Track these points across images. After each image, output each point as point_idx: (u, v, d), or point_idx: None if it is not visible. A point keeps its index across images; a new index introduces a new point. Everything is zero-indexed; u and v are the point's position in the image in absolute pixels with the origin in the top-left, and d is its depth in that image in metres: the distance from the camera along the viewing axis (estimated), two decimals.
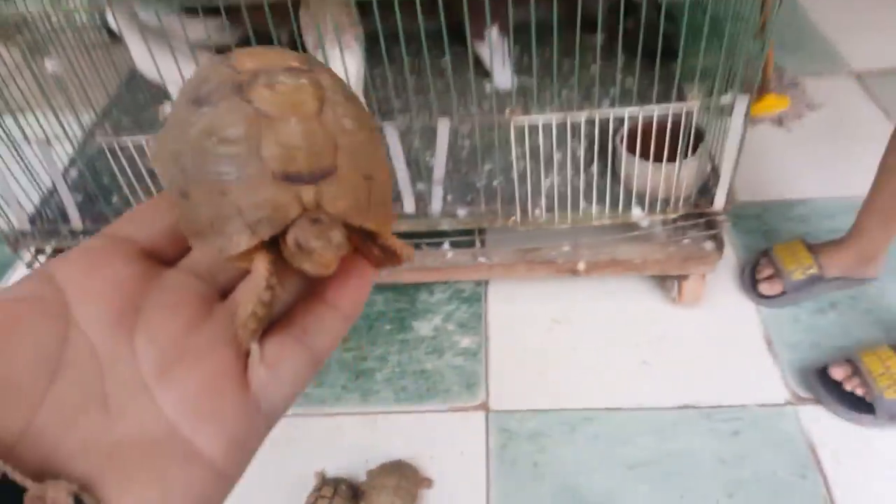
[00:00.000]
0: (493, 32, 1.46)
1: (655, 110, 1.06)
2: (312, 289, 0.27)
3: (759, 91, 1.69)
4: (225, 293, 0.26)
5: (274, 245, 0.25)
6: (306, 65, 0.26)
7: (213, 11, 1.38)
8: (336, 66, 1.13)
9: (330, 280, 0.26)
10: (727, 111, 1.06)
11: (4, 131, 1.15)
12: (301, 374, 0.25)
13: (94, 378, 0.22)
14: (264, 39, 0.99)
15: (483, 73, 1.50)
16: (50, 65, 1.31)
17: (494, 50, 1.41)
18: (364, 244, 0.26)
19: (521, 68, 1.51)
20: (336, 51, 1.18)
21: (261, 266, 0.24)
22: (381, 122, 1.15)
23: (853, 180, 1.41)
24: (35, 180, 1.25)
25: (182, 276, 0.26)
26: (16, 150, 1.17)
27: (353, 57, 1.23)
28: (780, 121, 1.71)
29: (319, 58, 1.13)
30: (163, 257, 0.26)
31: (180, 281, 0.25)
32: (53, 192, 1.27)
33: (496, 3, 1.44)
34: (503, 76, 1.46)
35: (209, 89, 0.24)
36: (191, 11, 1.38)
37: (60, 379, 0.22)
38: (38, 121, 1.14)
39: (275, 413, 0.24)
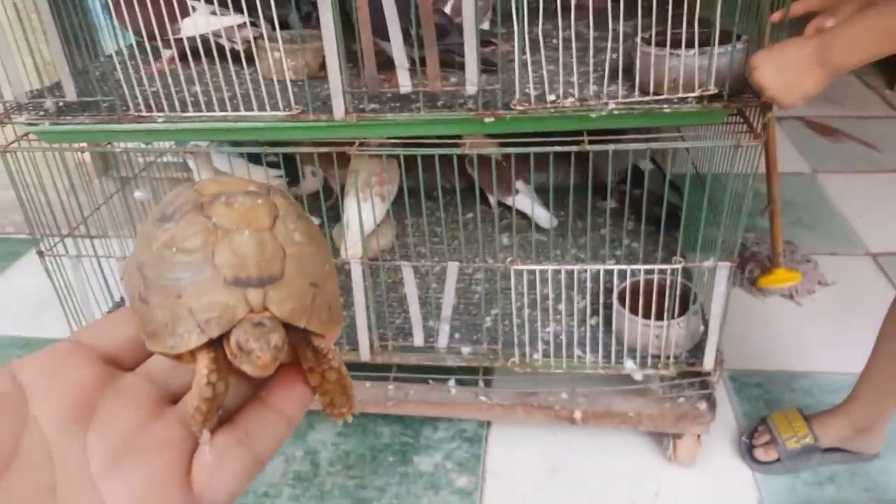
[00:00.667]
0: (521, 185, 1.63)
1: (642, 270, 1.16)
2: (257, 392, 0.28)
3: (770, 265, 1.77)
4: (177, 398, 0.28)
5: (221, 347, 0.26)
6: (264, 189, 0.29)
7: (273, 163, 1.61)
8: (364, 211, 1.29)
9: (275, 385, 0.28)
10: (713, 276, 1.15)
11: (93, 250, 1.33)
12: (243, 475, 0.26)
13: (45, 471, 0.24)
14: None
15: (502, 226, 1.65)
16: (138, 195, 1.52)
17: (529, 200, 1.58)
18: (304, 352, 0.28)
19: (538, 227, 1.65)
20: (366, 199, 1.35)
21: (201, 364, 0.25)
22: (399, 262, 1.29)
23: (860, 357, 1.44)
24: (110, 293, 1.41)
25: (137, 380, 0.27)
26: (99, 266, 1.34)
27: (376, 208, 1.39)
28: (790, 295, 1.77)
29: (354, 202, 1.29)
30: (122, 363, 0.28)
31: (135, 384, 0.27)
32: (122, 303, 1.43)
33: (518, 165, 1.62)
34: (544, 217, 1.60)
35: (174, 208, 0.27)
36: (254, 159, 1.60)
37: (13, 470, 0.23)
38: (122, 243, 1.33)
39: None
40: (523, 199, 1.62)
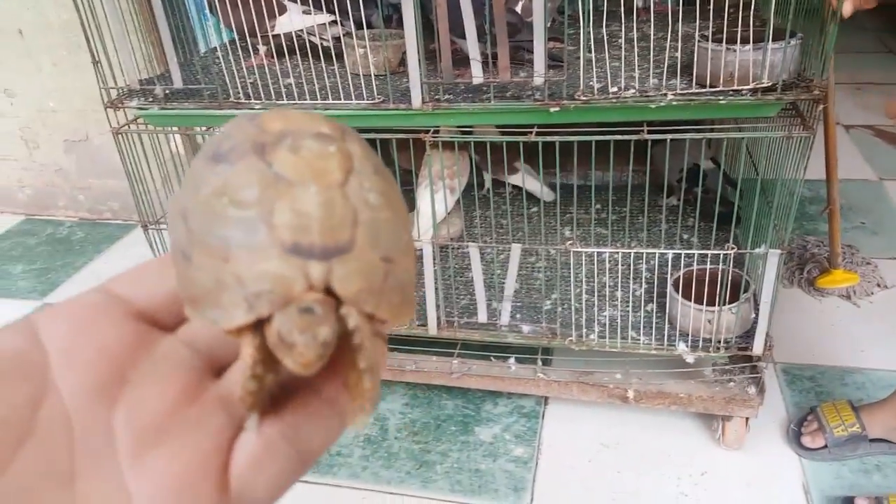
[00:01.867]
0: (519, 164, 1.72)
1: (696, 255, 1.23)
2: (311, 378, 0.23)
3: (828, 266, 1.80)
4: (222, 368, 0.24)
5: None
6: (338, 132, 0.24)
7: None
8: (437, 201, 1.40)
9: (331, 373, 0.24)
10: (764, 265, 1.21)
11: None
12: (286, 476, 0.23)
13: (63, 452, 0.20)
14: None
15: (564, 220, 1.73)
16: None
17: (527, 176, 1.68)
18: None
19: (599, 221, 1.73)
20: (438, 189, 1.46)
21: (246, 353, 0.22)
22: (467, 244, 1.39)
23: None
24: None
25: (178, 346, 0.24)
26: None
27: (448, 198, 1.50)
28: (848, 295, 1.80)
29: (427, 191, 1.41)
30: (161, 322, 0.24)
31: (174, 352, 0.24)
32: None
33: (513, 150, 1.72)
34: (543, 191, 1.71)
35: (230, 146, 0.23)
36: None
37: (27, 450, 0.20)
38: None
39: None
40: (520, 177, 1.72)
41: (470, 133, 1.23)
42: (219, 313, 0.22)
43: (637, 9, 1.48)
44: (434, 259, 1.35)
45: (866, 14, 4.05)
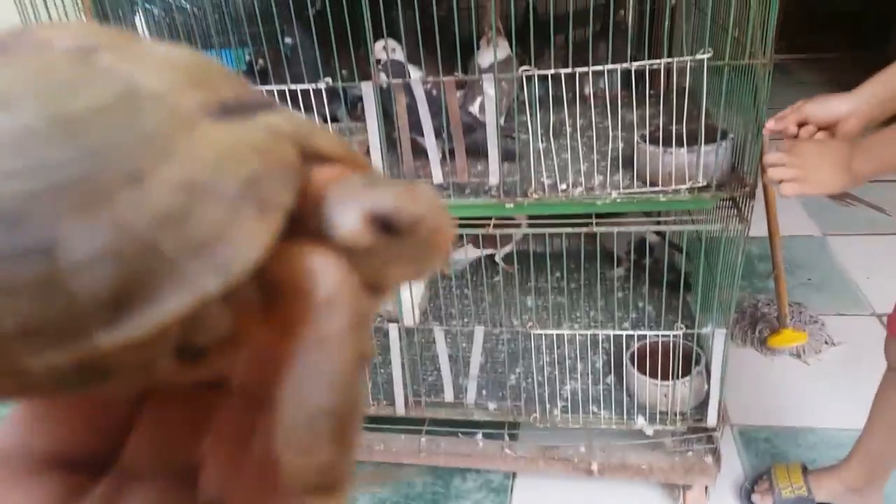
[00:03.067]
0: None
1: (648, 335, 1.30)
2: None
3: (777, 325, 1.89)
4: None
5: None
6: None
7: None
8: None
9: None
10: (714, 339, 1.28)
11: None
12: None
13: None
14: None
15: (522, 291, 1.80)
16: None
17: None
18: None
19: (558, 290, 1.80)
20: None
21: (331, 269, 0.14)
22: (432, 326, 1.44)
23: (864, 415, 1.53)
24: None
25: (138, 488, 0.16)
26: None
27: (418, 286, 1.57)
28: (798, 354, 1.89)
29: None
30: (91, 456, 0.16)
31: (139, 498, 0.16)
32: None
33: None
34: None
35: None
36: None
37: None
38: None
39: None
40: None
41: None
42: (200, 267, 0.13)
43: (583, 95, 1.57)
44: (400, 338, 1.40)
45: (804, 68, 4.29)
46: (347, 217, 0.14)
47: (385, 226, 0.14)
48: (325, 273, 0.14)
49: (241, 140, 0.14)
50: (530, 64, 1.09)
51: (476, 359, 1.45)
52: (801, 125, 1.07)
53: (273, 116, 0.15)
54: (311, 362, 0.13)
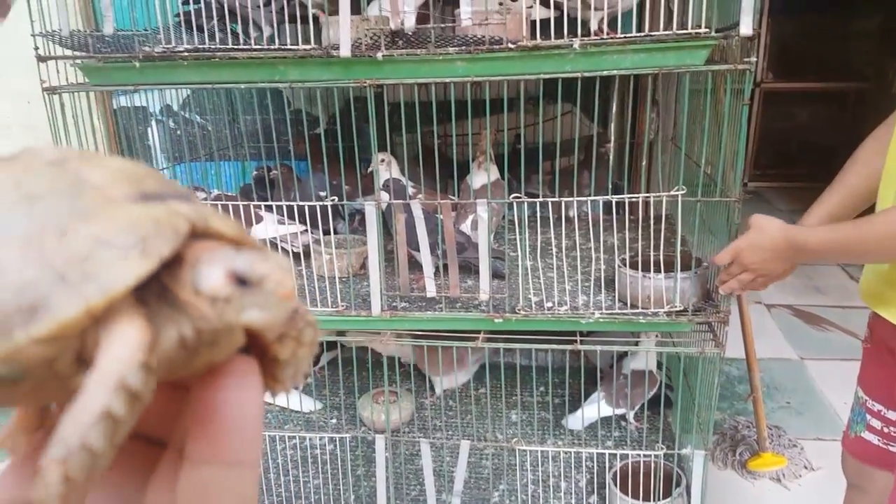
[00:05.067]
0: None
1: (630, 455, 1.33)
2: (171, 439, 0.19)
3: (757, 449, 1.92)
4: None
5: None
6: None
7: None
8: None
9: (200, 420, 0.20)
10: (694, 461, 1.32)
11: None
12: None
13: None
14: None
15: (507, 404, 1.83)
16: None
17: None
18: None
19: (542, 405, 1.83)
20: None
21: (132, 334, 0.18)
22: (418, 438, 1.46)
23: None
24: None
25: None
26: None
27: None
28: (778, 478, 1.90)
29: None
30: None
31: None
32: None
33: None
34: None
35: None
36: None
37: None
38: None
39: None
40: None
41: (423, 336, 1.35)
42: (91, 288, 0.18)
43: (568, 217, 1.68)
44: (386, 448, 1.42)
45: (777, 196, 4.51)
46: (213, 273, 0.19)
47: (240, 280, 0.19)
48: (115, 336, 0.18)
49: (147, 215, 0.19)
50: (519, 188, 1.19)
51: (461, 474, 1.46)
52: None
53: (180, 203, 0.20)
54: (73, 404, 0.17)
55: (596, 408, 1.59)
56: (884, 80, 3.98)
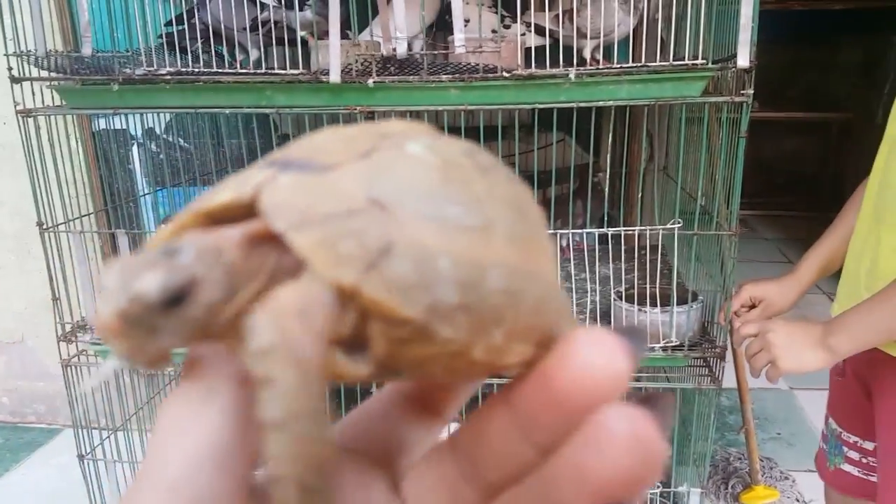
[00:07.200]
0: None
1: None
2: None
3: (749, 482, 1.88)
4: None
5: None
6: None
7: None
8: None
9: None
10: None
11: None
12: None
13: None
14: None
15: None
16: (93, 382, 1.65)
17: None
18: None
19: None
20: None
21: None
22: None
23: None
24: None
25: None
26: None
27: None
28: None
29: None
30: None
31: None
32: None
33: None
34: None
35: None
36: None
37: None
38: None
39: None
40: None
41: None
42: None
43: (561, 247, 1.65)
44: None
45: (763, 224, 4.53)
46: None
47: None
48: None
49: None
50: None
51: None
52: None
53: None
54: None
55: None
56: (867, 111, 4.02)
